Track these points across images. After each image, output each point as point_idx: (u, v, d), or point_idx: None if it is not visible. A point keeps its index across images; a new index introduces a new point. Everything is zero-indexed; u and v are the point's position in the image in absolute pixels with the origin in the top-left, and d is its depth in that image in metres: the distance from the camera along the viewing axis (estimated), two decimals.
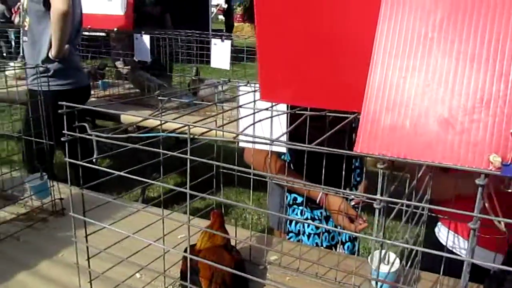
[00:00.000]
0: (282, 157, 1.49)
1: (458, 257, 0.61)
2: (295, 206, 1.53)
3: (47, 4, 2.39)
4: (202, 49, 3.12)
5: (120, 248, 1.01)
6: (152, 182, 0.86)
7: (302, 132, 1.13)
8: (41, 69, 1.63)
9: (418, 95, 0.54)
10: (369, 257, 1.17)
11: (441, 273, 1.11)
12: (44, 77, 2.26)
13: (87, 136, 0.76)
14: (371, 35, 0.61)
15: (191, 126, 0.69)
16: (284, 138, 1.14)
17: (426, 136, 0.53)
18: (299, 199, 1.53)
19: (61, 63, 2.49)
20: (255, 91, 1.12)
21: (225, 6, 17.88)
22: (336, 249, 1.59)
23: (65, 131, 0.77)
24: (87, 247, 0.93)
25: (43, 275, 1.20)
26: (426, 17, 0.55)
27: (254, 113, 0.99)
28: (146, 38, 3.02)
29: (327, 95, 0.77)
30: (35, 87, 2.15)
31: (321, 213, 1.55)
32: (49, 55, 2.49)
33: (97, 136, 0.72)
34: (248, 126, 0.67)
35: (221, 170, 1.16)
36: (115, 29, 3.20)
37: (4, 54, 6.69)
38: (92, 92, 3.52)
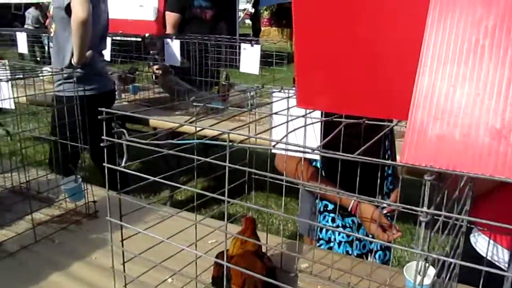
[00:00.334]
0: (314, 163, 1.48)
1: (500, 272, 0.59)
2: (326, 213, 1.51)
3: (69, 12, 2.42)
4: (230, 53, 3.13)
5: (152, 252, 1.02)
6: (187, 188, 0.86)
7: (335, 139, 1.11)
8: (65, 75, 1.66)
9: (468, 105, 0.52)
10: (404, 268, 1.14)
11: (480, 286, 1.07)
12: (69, 83, 2.31)
13: (126, 142, 0.77)
14: (416, 41, 0.59)
15: (228, 133, 0.69)
16: (317, 145, 1.13)
17: (476, 147, 0.51)
18: (330, 206, 1.51)
19: (84, 69, 2.51)
20: (288, 97, 1.11)
21: (252, 10, 17.95)
22: (367, 258, 1.56)
23: (104, 137, 0.78)
24: (123, 252, 0.94)
25: (77, 277, 1.22)
26: (478, 23, 0.53)
27: (288, 121, 0.98)
28: (176, 43, 3.05)
29: (367, 102, 0.76)
30: (60, 93, 2.20)
31: (352, 221, 1.52)
32: (72, 61, 2.53)
33: (136, 142, 0.73)
34: (286, 135, 0.66)
35: (253, 176, 1.16)
36: (146, 34, 3.25)
37: (38, 59, 6.89)
38: (123, 96, 3.59)
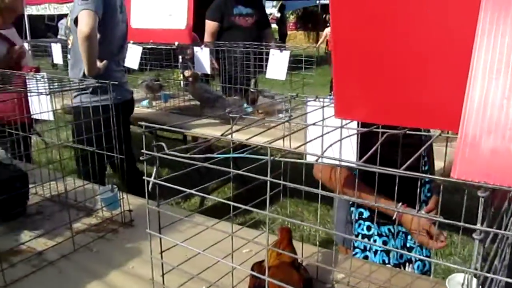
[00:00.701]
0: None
1: None
2: (361, 221, 1.49)
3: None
4: (256, 59, 3.11)
5: (188, 262, 1.02)
6: (223, 200, 0.85)
7: (372, 146, 1.09)
8: (81, 86, 1.69)
9: None
10: (446, 281, 1.10)
11: None
12: (85, 94, 2.33)
13: (165, 156, 0.77)
14: (466, 48, 0.57)
15: (266, 146, 0.68)
16: (355, 154, 1.11)
17: None
18: (365, 214, 1.48)
19: (98, 79, 2.48)
20: (323, 106, 1.09)
21: (278, 15, 17.99)
22: (405, 268, 1.52)
23: (143, 150, 0.79)
24: (162, 264, 0.94)
25: (115, 286, 1.23)
26: None
27: (327, 133, 0.96)
28: (206, 51, 3.08)
29: (411, 112, 0.74)
30: (77, 104, 2.22)
31: (389, 229, 1.49)
32: (86, 73, 2.54)
33: (175, 156, 0.73)
34: (328, 148, 0.65)
35: (288, 187, 1.14)
36: (176, 43, 3.29)
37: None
38: (154, 103, 3.65)
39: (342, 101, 0.83)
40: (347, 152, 1.06)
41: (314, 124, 0.91)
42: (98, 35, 2.53)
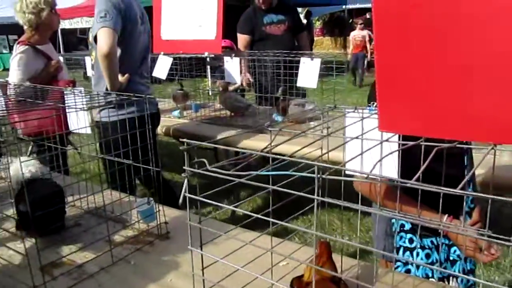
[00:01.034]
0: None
1: None
2: (402, 233, 1.44)
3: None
4: (286, 67, 3.09)
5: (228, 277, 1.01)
6: (261, 217, 0.84)
7: (414, 157, 1.06)
8: (105, 101, 1.71)
9: None
10: None
11: None
12: (109, 108, 2.35)
13: (208, 173, 0.76)
14: None
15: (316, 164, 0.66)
16: (396, 167, 1.07)
17: None
18: (407, 226, 1.44)
19: (121, 93, 2.45)
20: (363, 118, 1.07)
21: (305, 21, 17.96)
22: (449, 282, 1.46)
23: (185, 167, 0.78)
24: (203, 280, 0.94)
25: None
26: None
27: (364, 149, 0.94)
28: (236, 61, 3.09)
29: (459, 125, 0.70)
30: (103, 118, 2.24)
31: (431, 241, 1.43)
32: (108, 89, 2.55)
33: (217, 173, 0.72)
34: (376, 164, 0.62)
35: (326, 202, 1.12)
36: (206, 53, 3.31)
37: None
38: (185, 113, 3.69)
39: (386, 113, 0.81)
40: (389, 165, 1.03)
41: (357, 138, 0.89)
42: (119, 50, 2.54)
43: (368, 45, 11.56)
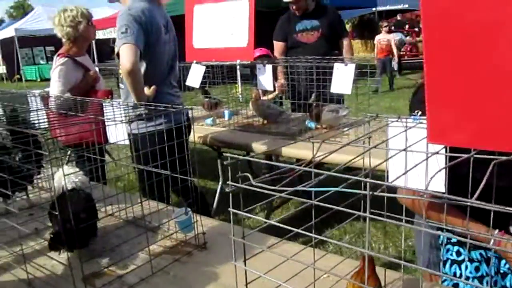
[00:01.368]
0: None
1: None
2: (449, 245, 1.38)
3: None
4: (319, 73, 3.05)
5: None
6: (307, 233, 0.82)
7: (461, 166, 1.01)
8: (135, 114, 1.71)
9: None
10: None
11: None
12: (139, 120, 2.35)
13: (250, 188, 0.75)
14: None
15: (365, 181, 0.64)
16: (443, 180, 1.03)
17: None
18: (454, 238, 1.38)
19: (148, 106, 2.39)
20: (407, 129, 1.03)
21: None
22: None
23: (229, 182, 0.77)
24: None
25: None
26: None
27: (406, 161, 0.90)
28: (269, 68, 3.08)
29: None
30: (134, 130, 2.25)
31: (480, 254, 1.37)
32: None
33: (262, 188, 0.71)
34: (432, 179, 0.59)
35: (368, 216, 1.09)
36: (238, 61, 3.32)
37: None
38: (217, 121, 3.70)
39: (436, 124, 0.77)
40: (436, 178, 0.99)
41: (405, 150, 0.86)
42: (144, 64, 2.52)
43: (394, 49, 11.27)
